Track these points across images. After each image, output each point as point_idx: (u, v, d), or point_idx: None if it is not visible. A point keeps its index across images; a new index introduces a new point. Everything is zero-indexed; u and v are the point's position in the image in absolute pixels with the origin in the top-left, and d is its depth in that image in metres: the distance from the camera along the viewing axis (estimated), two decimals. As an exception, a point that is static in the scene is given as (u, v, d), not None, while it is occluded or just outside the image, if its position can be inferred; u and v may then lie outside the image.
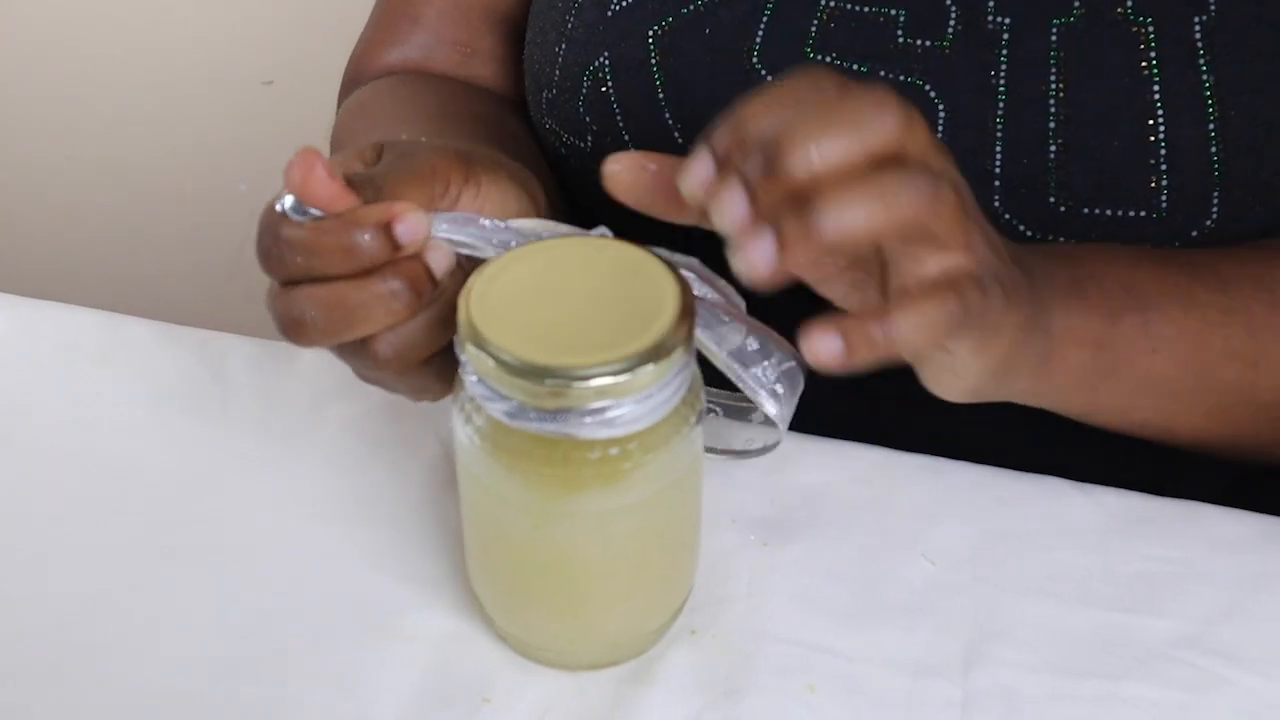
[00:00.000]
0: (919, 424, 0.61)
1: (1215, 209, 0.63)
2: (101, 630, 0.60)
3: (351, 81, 0.85)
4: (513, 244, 0.55)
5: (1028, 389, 0.59)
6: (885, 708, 0.58)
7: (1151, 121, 0.63)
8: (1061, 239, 0.64)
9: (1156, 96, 0.63)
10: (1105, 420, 0.64)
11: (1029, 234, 0.65)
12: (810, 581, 0.62)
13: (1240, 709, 0.58)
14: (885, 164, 0.47)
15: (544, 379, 0.50)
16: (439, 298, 0.54)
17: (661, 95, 0.69)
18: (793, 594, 0.62)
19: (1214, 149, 0.63)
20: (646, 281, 0.53)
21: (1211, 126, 0.62)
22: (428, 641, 0.60)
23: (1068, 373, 0.60)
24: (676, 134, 0.69)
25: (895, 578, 0.62)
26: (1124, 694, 0.58)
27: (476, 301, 0.52)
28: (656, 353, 0.50)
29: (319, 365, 0.71)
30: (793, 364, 0.54)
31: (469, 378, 0.52)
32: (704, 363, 0.55)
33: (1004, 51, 0.64)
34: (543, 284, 0.53)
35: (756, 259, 0.46)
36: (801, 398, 0.55)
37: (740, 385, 0.55)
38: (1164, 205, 0.63)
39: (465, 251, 0.55)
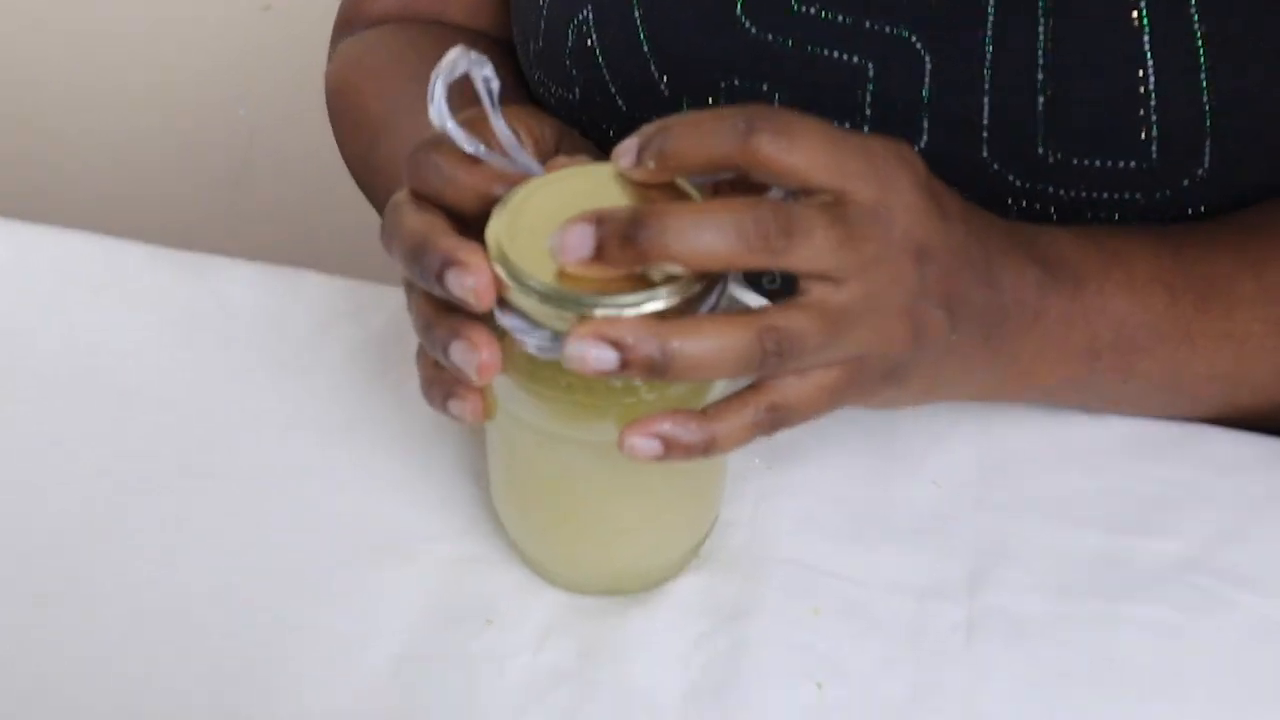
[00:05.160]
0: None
1: (1207, 159, 0.63)
2: (103, 556, 0.61)
3: (345, 23, 0.84)
4: None
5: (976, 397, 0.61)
6: (891, 630, 0.58)
7: (1141, 72, 0.62)
8: (1052, 189, 0.64)
9: (1147, 46, 0.62)
10: None
11: (1019, 184, 0.64)
12: (815, 504, 0.62)
13: (1243, 630, 0.58)
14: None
15: (572, 306, 0.48)
16: None
17: (646, 48, 0.68)
18: (797, 517, 0.62)
19: (1205, 99, 0.62)
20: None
21: (1202, 76, 0.62)
22: (431, 564, 0.60)
23: (1027, 392, 0.61)
24: (663, 87, 0.68)
25: (900, 500, 0.62)
26: (1127, 615, 0.58)
27: (505, 230, 0.51)
28: (685, 279, 0.49)
29: (323, 289, 0.71)
30: None
31: (496, 307, 0.51)
32: None
33: (991, 1, 0.63)
34: (568, 212, 0.51)
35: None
36: None
37: None
38: (1154, 155, 0.63)
39: None
